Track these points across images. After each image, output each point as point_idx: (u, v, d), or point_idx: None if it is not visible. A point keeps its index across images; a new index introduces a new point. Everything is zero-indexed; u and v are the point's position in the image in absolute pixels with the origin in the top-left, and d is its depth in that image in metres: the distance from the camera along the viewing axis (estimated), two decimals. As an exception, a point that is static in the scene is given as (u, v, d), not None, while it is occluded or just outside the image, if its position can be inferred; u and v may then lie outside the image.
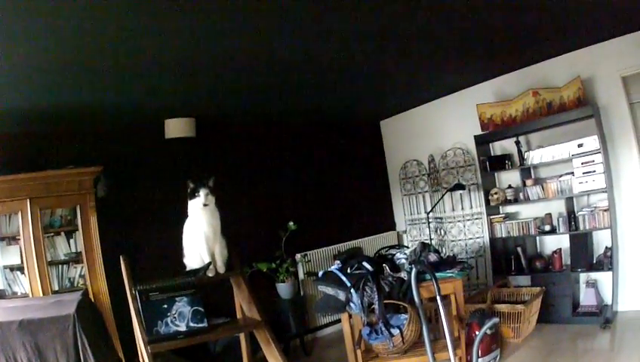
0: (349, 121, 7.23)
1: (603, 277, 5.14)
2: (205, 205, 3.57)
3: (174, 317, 3.63)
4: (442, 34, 4.06)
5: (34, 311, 3.33)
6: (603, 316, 4.89)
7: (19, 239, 4.58)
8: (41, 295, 4.44)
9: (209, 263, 3.67)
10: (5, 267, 4.62)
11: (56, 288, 4.64)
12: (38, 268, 4.49)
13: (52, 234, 4.78)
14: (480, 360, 4.22)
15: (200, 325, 3.66)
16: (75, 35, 3.03)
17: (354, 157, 7.26)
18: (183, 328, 3.61)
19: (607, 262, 5.01)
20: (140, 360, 3.63)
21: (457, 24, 3.87)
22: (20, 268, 4.59)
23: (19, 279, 4.62)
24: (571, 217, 5.20)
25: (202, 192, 3.56)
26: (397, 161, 7.33)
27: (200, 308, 3.69)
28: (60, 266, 4.75)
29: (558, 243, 5.49)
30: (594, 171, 4.96)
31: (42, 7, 2.61)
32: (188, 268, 3.79)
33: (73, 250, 4.81)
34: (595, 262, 5.21)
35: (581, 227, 5.14)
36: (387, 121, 7.53)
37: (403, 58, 4.60)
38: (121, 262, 3.67)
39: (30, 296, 4.46)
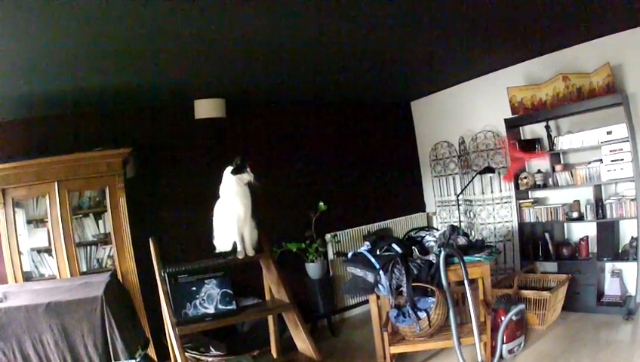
0: (380, 101, 7.15)
1: (628, 268, 5.08)
2: (248, 182, 3.63)
3: (203, 300, 3.66)
4: (474, 16, 3.99)
5: (61, 293, 3.34)
6: (626, 307, 4.83)
7: (46, 221, 4.60)
8: (69, 276, 4.46)
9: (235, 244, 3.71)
10: (32, 249, 4.66)
11: (84, 269, 4.65)
12: (66, 250, 4.51)
13: (80, 215, 4.80)
14: (504, 346, 4.20)
15: (228, 307, 3.69)
16: (104, 17, 3.01)
17: (384, 137, 7.17)
18: (211, 310, 3.65)
19: (632, 252, 4.94)
20: (168, 340, 3.67)
21: (489, 6, 3.81)
22: (48, 250, 4.62)
23: (46, 261, 4.67)
24: (599, 205, 5.12)
25: (249, 169, 3.62)
26: (427, 142, 7.24)
27: (229, 291, 3.71)
28: (88, 247, 4.77)
29: (585, 230, 5.41)
30: (622, 159, 4.87)
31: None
32: (218, 250, 3.82)
33: (102, 231, 4.82)
34: (620, 251, 5.14)
35: (608, 215, 5.07)
36: (418, 101, 7.42)
37: (434, 40, 4.53)
38: (151, 243, 3.70)
39: (58, 277, 4.49)
